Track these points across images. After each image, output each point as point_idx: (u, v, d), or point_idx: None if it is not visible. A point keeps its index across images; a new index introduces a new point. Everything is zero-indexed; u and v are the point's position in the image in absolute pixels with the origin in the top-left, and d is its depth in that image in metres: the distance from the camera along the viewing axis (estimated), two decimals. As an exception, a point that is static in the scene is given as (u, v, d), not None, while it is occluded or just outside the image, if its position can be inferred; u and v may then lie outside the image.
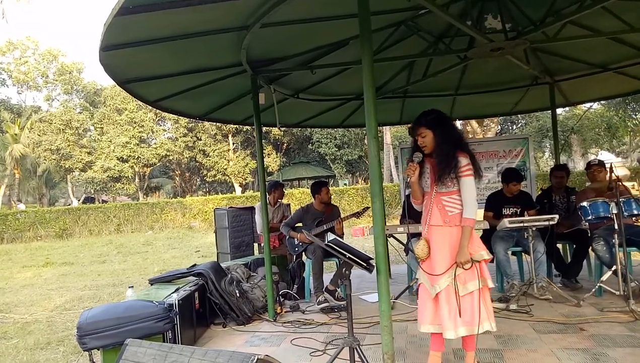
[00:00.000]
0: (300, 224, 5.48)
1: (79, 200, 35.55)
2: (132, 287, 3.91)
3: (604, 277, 4.34)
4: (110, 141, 29.36)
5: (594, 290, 4.40)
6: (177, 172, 35.68)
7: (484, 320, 2.72)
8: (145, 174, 32.66)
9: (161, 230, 19.81)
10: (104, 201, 33.96)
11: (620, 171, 10.25)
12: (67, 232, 20.35)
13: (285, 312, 4.74)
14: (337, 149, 29.40)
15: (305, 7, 3.47)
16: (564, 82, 6.40)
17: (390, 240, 4.98)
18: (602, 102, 23.25)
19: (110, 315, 3.17)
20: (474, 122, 18.92)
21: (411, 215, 4.68)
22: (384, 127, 22.45)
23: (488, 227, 4.67)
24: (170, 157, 31.52)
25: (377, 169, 2.85)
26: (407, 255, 5.16)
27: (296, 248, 5.40)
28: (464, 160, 2.76)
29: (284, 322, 4.38)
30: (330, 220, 5.25)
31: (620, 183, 4.52)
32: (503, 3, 4.09)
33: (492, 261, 4.85)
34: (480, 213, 5.13)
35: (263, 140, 4.80)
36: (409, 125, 9.48)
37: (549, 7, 3.97)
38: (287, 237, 5.47)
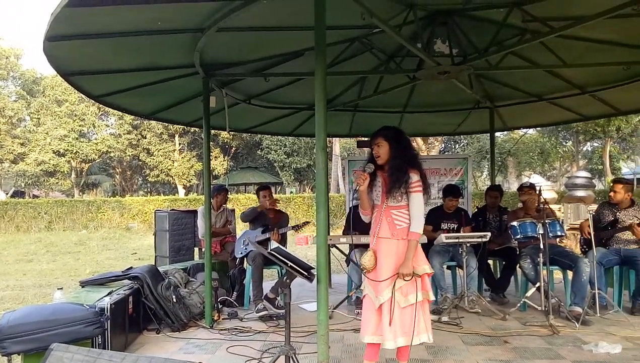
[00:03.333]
0: (246, 227, 5.46)
1: (7, 194, 33.18)
2: (62, 288, 3.72)
3: (529, 293, 4.63)
4: (47, 133, 27.70)
5: (519, 305, 4.69)
6: (117, 170, 34.20)
7: (422, 331, 2.82)
8: (83, 170, 31.05)
9: (96, 230, 18.88)
10: (35, 196, 31.86)
11: (549, 194, 10.98)
12: (-9, 227, 18.96)
13: (222, 319, 4.67)
14: (286, 156, 29.38)
15: (263, 15, 3.50)
16: (503, 108, 6.80)
17: (333, 250, 5.06)
18: (537, 128, 24.86)
19: (35, 317, 3.00)
20: (419, 140, 19.55)
21: (355, 227, 4.79)
22: (333, 138, 22.74)
23: (426, 241, 4.87)
24: (112, 154, 30.19)
25: (323, 180, 2.91)
26: (348, 265, 5.25)
27: (241, 252, 5.35)
28: (414, 177, 2.87)
29: (221, 329, 4.32)
30: (278, 228, 5.26)
31: (547, 206, 4.87)
32: (452, 29, 4.31)
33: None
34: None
35: (211, 143, 4.75)
36: (358, 138, 9.70)
37: (493, 37, 4.23)
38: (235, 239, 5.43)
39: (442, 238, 4.65)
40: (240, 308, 5.08)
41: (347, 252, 5.53)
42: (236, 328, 4.33)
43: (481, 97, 6.15)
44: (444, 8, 4.13)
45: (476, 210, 6.15)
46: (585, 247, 5.09)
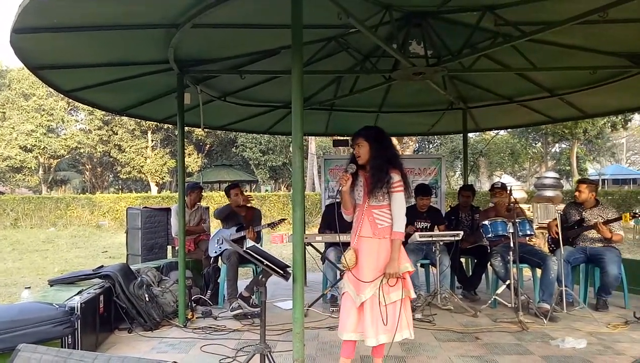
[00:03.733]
0: (218, 224, 5.42)
1: (-31, 190, 31.95)
2: (29, 287, 3.62)
3: (499, 290, 4.75)
4: (13, 128, 26.73)
5: (489, 302, 4.81)
6: (87, 166, 33.33)
7: (404, 328, 2.87)
8: (51, 166, 30.14)
9: (65, 228, 18.37)
10: (0, 193, 30.81)
11: (519, 194, 11.27)
12: (-47, 224, 18.23)
13: (196, 317, 4.63)
14: (261, 154, 29.23)
15: (239, 12, 3.47)
16: (475, 109, 6.94)
17: (308, 248, 5.07)
18: (508, 130, 25.46)
19: (1, 317, 2.90)
20: (394, 139, 19.71)
21: (331, 225, 4.81)
22: (309, 137, 22.75)
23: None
24: (82, 150, 29.37)
25: (300, 179, 2.91)
26: (323, 263, 5.28)
27: (215, 251, 5.31)
28: (396, 177, 2.90)
29: (195, 328, 4.28)
30: (251, 225, 5.25)
31: (517, 205, 5.00)
32: (426, 31, 4.38)
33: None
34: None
35: (185, 140, 4.68)
36: (334, 137, 9.74)
37: (466, 40, 4.31)
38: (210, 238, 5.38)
39: (416, 236, 4.72)
40: (214, 307, 5.04)
41: (322, 250, 5.56)
42: (210, 327, 4.29)
43: (454, 98, 6.26)
44: (419, 10, 4.19)
45: (449, 209, 6.27)
46: (553, 245, 5.25)
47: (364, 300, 2.83)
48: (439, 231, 5.26)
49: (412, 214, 5.45)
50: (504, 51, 4.67)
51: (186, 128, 5.38)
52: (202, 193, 6.20)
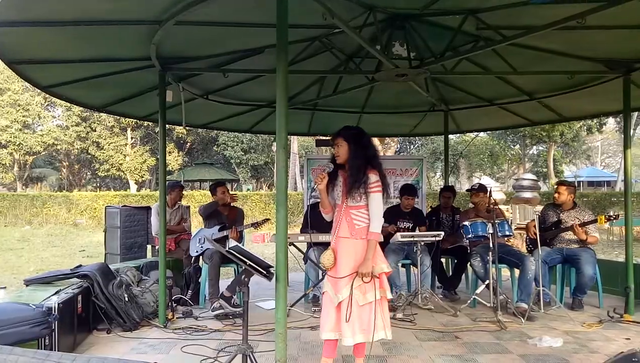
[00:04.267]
0: (200, 224, 5.38)
1: (-60, 187, 30.97)
2: (5, 287, 3.53)
3: (479, 290, 4.82)
4: (-14, 123, 26.02)
5: (469, 301, 4.88)
6: (64, 164, 32.63)
7: (380, 329, 2.88)
8: (26, 162, 29.41)
9: (41, 226, 17.96)
10: (-28, 189, 29.93)
11: (498, 195, 11.45)
12: None
13: (177, 318, 4.58)
14: (243, 153, 29.05)
15: (223, 10, 3.45)
16: (457, 111, 7.03)
17: (290, 248, 5.06)
18: (488, 132, 25.87)
19: (-26, 319, 2.83)
20: (376, 140, 19.82)
21: (313, 225, 4.81)
22: (291, 136, 22.72)
23: (382, 240, 4.96)
24: (58, 147, 28.73)
25: (283, 179, 2.90)
26: (305, 263, 5.28)
27: (196, 251, 5.26)
28: (373, 177, 2.92)
29: (175, 329, 4.23)
30: (234, 224, 5.21)
31: (496, 206, 5.08)
32: (410, 33, 4.41)
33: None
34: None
35: (165, 138, 4.64)
36: (317, 136, 9.74)
37: (449, 43, 4.37)
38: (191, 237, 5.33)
39: (398, 236, 4.77)
40: (195, 307, 4.99)
41: (304, 250, 5.56)
42: (191, 327, 4.26)
43: (436, 100, 6.33)
44: (403, 12, 4.22)
45: (430, 209, 6.34)
46: (531, 246, 5.35)
47: (341, 300, 2.84)
48: (420, 231, 5.32)
49: (395, 214, 5.50)
50: (485, 55, 4.74)
51: (167, 126, 5.32)
52: (183, 192, 6.13)
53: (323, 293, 3.02)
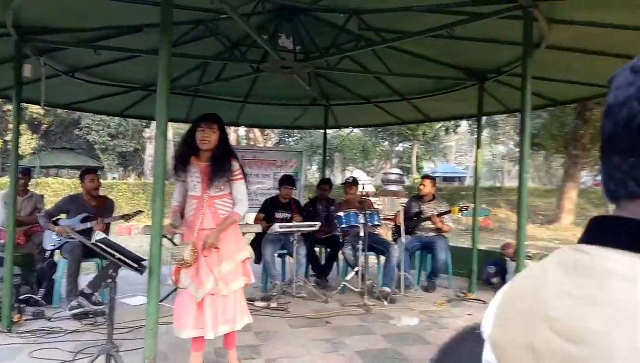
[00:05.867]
0: (64, 216, 4.80)
1: None
2: None
3: (348, 277, 5.10)
4: None
5: (339, 287, 5.13)
6: None
7: (244, 313, 2.90)
8: None
9: None
10: None
11: (369, 188, 12.21)
12: None
13: (25, 320, 4.04)
14: (110, 138, 26.62)
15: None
16: (336, 107, 7.30)
17: (164, 240, 4.80)
18: (360, 128, 27.36)
19: None
20: (257, 131, 19.77)
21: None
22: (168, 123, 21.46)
23: (261, 231, 4.98)
24: None
25: (161, 167, 2.68)
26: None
27: (52, 244, 4.68)
28: (236, 165, 2.91)
29: (22, 332, 3.74)
30: (102, 216, 4.73)
31: (368, 198, 5.41)
32: (297, 27, 4.45)
33: (258, 262, 5.18)
34: (252, 217, 5.43)
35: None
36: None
37: (333, 40, 4.50)
38: (45, 229, 4.72)
39: (276, 227, 4.81)
40: (48, 306, 4.46)
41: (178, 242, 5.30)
42: (42, 330, 3.80)
43: (318, 94, 6.50)
44: (291, 4, 4.24)
45: (307, 201, 6.51)
46: (396, 234, 5.81)
47: (204, 295, 2.77)
48: (297, 222, 5.44)
49: (274, 205, 5.54)
50: (365, 54, 5.00)
51: (23, 105, 4.66)
52: (32, 179, 5.39)
53: (182, 290, 2.86)
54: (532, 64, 3.37)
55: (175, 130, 26.52)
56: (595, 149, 15.12)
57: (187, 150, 2.93)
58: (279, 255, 5.54)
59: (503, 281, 5.56)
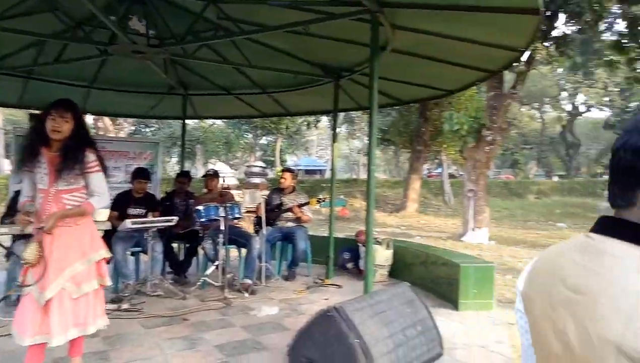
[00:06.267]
0: None
1: None
2: None
3: (208, 271, 5.01)
4: None
5: (199, 283, 5.01)
6: None
7: (98, 316, 2.69)
8: None
9: None
10: None
11: (231, 181, 12.09)
12: None
13: None
14: None
15: None
16: (195, 97, 7.06)
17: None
18: (224, 120, 26.89)
19: None
20: (107, 120, 18.13)
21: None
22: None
23: (110, 228, 4.57)
24: None
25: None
26: (8, 260, 4.42)
27: None
28: (91, 156, 2.67)
29: None
30: None
31: (229, 191, 5.35)
32: (150, 10, 4.17)
33: (109, 262, 4.78)
34: (106, 214, 4.98)
35: None
36: (31, 110, 8.17)
37: (190, 27, 4.32)
38: None
39: (128, 223, 4.48)
40: None
41: (7, 244, 4.62)
42: None
43: (175, 83, 6.21)
44: (142, -15, 3.97)
45: (164, 195, 6.19)
46: (257, 226, 5.85)
47: (50, 298, 2.50)
48: (154, 217, 5.14)
49: (127, 200, 5.17)
50: (225, 44, 4.91)
51: None
52: None
53: (25, 294, 2.55)
54: (379, 65, 3.67)
55: (6, 117, 23.01)
56: (434, 144, 17.12)
57: (36, 140, 2.58)
58: (132, 254, 5.18)
59: (357, 266, 6.00)
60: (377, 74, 3.59)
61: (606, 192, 0.81)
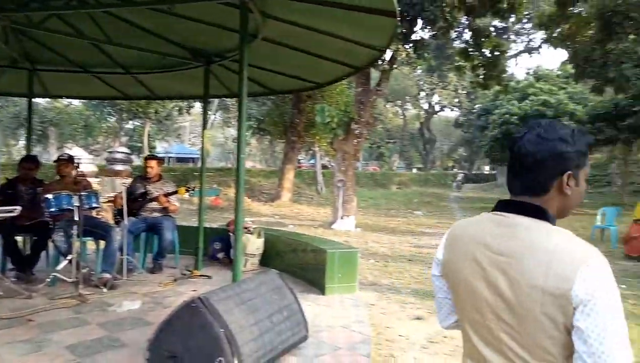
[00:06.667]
0: None
1: None
2: None
3: (60, 266, 4.52)
4: None
5: (48, 279, 4.50)
6: None
7: None
8: None
9: None
10: None
11: (89, 167, 11.05)
12: None
13: None
14: None
15: None
16: (45, 73, 6.28)
17: None
18: (83, 101, 24.35)
19: None
20: None
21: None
22: None
23: None
24: None
25: None
26: None
27: None
28: None
29: None
30: None
31: (84, 178, 4.89)
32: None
33: None
34: None
35: None
36: None
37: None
38: None
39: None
40: None
41: None
42: None
43: (19, 55, 5.45)
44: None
45: (6, 181, 5.43)
46: (118, 217, 5.45)
47: None
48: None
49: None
50: (80, 17, 4.44)
51: None
52: None
53: None
54: (249, 53, 3.65)
55: None
56: (308, 136, 17.62)
57: None
58: (-38, 250, 4.46)
59: (228, 256, 5.94)
60: (246, 61, 3.57)
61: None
